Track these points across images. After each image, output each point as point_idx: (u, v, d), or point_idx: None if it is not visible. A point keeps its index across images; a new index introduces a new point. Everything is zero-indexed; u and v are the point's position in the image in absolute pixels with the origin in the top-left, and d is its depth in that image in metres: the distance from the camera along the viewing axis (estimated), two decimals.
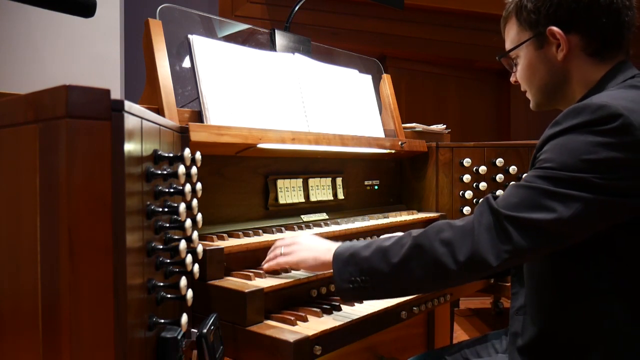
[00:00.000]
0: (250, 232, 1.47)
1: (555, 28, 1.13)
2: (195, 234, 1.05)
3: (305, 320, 1.20)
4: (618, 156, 0.92)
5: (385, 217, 1.91)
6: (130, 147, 0.75)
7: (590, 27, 1.12)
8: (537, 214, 0.94)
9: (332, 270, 1.15)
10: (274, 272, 1.35)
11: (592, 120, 0.94)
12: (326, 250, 1.21)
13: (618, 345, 1.01)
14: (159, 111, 1.38)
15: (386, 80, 2.24)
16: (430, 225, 1.05)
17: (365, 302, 1.35)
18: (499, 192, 2.08)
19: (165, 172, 0.89)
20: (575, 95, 1.18)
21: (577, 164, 0.94)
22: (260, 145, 1.49)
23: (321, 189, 1.83)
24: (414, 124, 2.32)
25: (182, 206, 0.91)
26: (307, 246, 1.27)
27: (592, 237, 0.99)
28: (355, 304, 1.33)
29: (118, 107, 0.72)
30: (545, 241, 0.96)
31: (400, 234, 1.11)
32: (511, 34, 1.26)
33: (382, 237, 1.17)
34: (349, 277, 1.10)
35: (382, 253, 1.07)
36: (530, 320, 1.14)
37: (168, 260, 0.94)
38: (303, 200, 1.76)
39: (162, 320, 0.89)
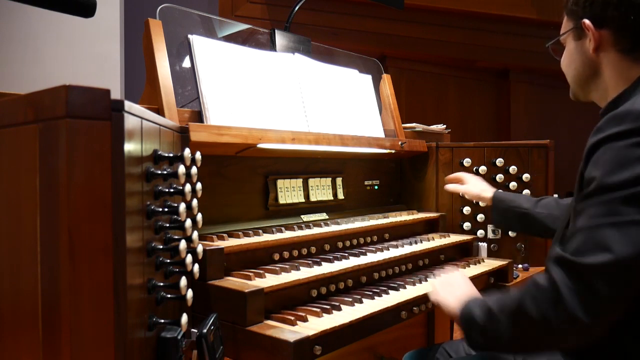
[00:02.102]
0: (250, 232, 1.47)
1: (587, 21, 1.18)
2: (195, 234, 1.06)
3: (305, 320, 1.20)
4: None
5: (385, 217, 1.91)
6: (130, 147, 0.75)
7: (620, 23, 1.15)
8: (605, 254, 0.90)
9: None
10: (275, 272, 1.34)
11: (635, 128, 0.96)
12: (458, 301, 1.18)
13: None
14: (159, 111, 1.38)
15: (386, 80, 2.24)
16: (527, 292, 1.01)
17: (365, 302, 1.35)
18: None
19: (165, 172, 0.89)
20: (609, 92, 1.19)
21: (629, 177, 0.92)
22: (260, 145, 1.49)
23: (321, 189, 1.83)
24: (414, 124, 2.32)
25: (182, 206, 0.91)
26: (453, 290, 1.25)
27: None
28: (355, 303, 1.33)
29: (118, 107, 0.72)
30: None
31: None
32: (563, 23, 1.31)
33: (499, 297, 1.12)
34: (475, 338, 1.11)
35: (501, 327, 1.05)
36: None
37: (168, 260, 0.94)
38: (303, 200, 1.76)
39: (162, 320, 0.89)
